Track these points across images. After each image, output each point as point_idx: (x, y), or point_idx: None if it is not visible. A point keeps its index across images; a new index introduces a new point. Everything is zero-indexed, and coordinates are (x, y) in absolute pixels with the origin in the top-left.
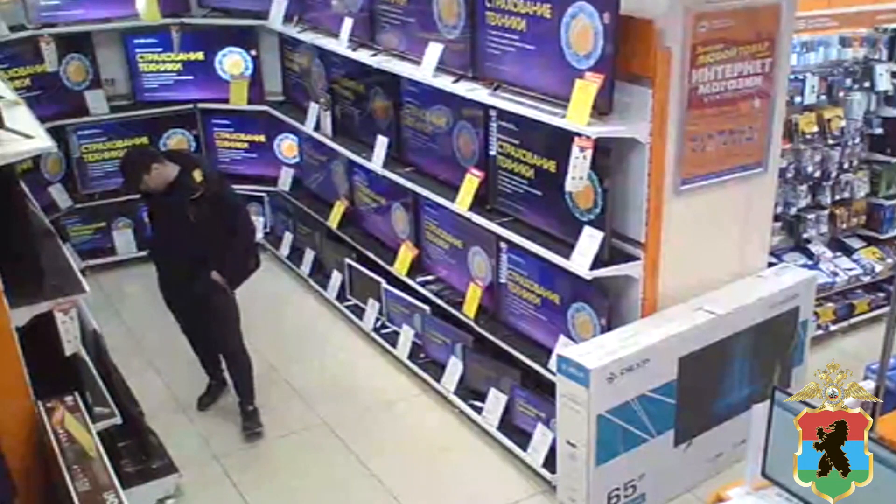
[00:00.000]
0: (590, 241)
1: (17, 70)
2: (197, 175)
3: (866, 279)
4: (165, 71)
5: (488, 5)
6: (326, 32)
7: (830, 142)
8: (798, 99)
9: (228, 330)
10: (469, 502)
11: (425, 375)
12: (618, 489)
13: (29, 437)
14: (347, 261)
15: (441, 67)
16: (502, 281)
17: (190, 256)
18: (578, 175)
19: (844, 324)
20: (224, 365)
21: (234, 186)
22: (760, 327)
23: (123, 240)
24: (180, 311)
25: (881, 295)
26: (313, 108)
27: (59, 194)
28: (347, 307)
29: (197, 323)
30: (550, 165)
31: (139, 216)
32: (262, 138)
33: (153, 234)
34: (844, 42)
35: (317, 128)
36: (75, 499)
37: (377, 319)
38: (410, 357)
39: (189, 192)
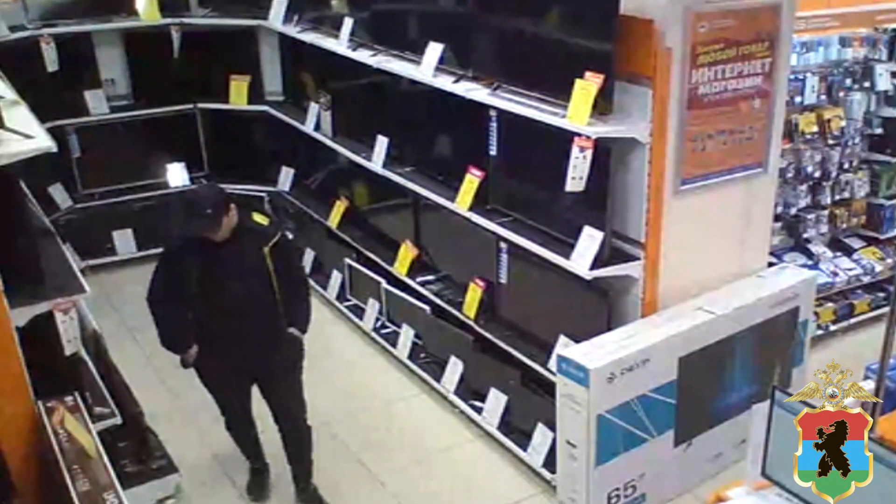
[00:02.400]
0: (590, 241)
1: (18, 70)
2: (260, 217)
3: (866, 279)
4: (165, 71)
5: None
6: (326, 32)
7: (830, 142)
8: (798, 99)
9: (299, 392)
10: (469, 502)
11: (425, 375)
12: (618, 489)
13: (29, 437)
14: (347, 261)
15: (441, 67)
16: (502, 281)
17: (264, 317)
18: (578, 175)
19: (844, 324)
20: (284, 436)
21: (234, 186)
22: (760, 327)
23: (123, 240)
24: (239, 387)
25: (881, 295)
26: (313, 108)
27: (59, 194)
28: (347, 307)
29: (249, 395)
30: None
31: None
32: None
33: (204, 304)
34: (844, 42)
35: (317, 128)
36: (75, 499)
37: (377, 319)
38: (410, 357)
39: (264, 239)
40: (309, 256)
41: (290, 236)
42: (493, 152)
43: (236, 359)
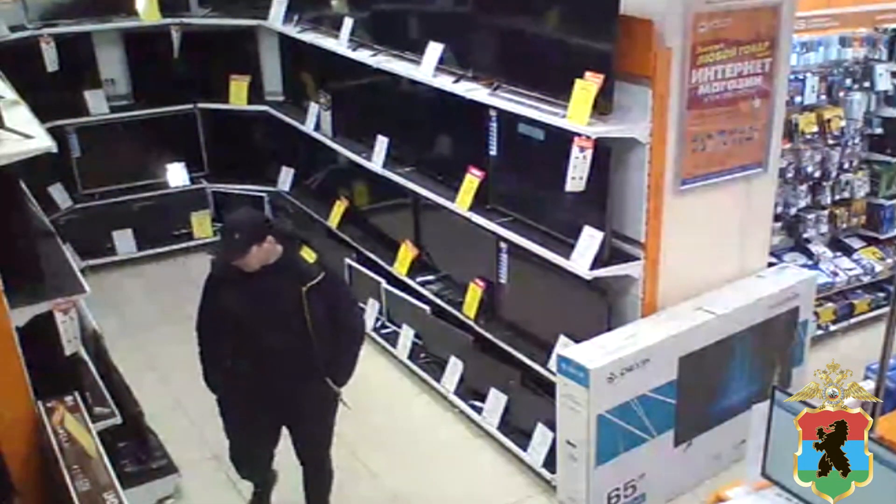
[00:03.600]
0: (590, 240)
1: (17, 70)
2: (308, 254)
3: (866, 279)
4: (165, 71)
5: None
6: (326, 32)
7: (830, 142)
8: (798, 99)
9: (328, 439)
10: (469, 502)
11: (425, 375)
12: (618, 489)
13: (29, 437)
14: (347, 261)
15: (441, 67)
16: (502, 281)
17: (297, 364)
18: (578, 175)
19: (844, 324)
20: (307, 479)
21: (234, 187)
22: (760, 327)
23: (123, 240)
24: (262, 432)
25: (881, 295)
26: (313, 108)
27: (59, 194)
28: None
29: (274, 441)
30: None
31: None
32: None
33: (235, 342)
34: (844, 42)
35: (317, 128)
36: (75, 499)
37: (377, 319)
38: (410, 357)
39: (303, 278)
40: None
41: (340, 279)
42: (493, 152)
43: (263, 403)
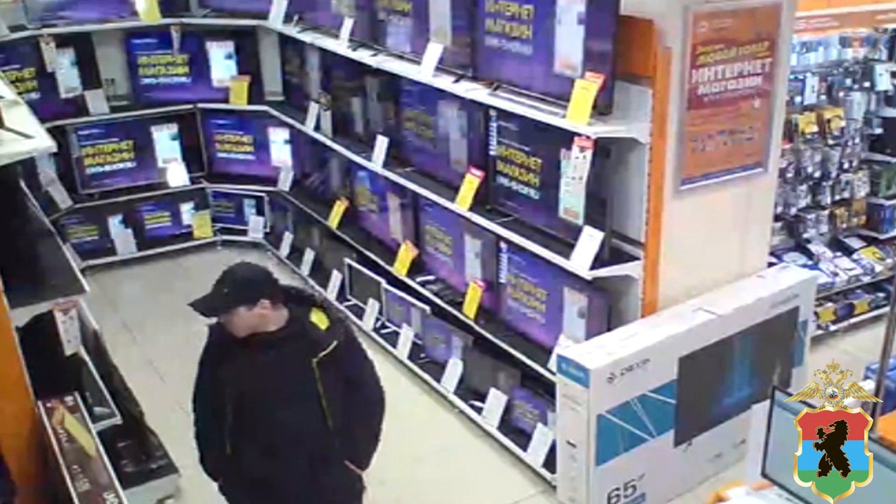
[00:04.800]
0: (590, 240)
1: (17, 70)
2: (320, 319)
3: (866, 279)
4: (165, 71)
5: None
6: (326, 32)
7: (830, 142)
8: (798, 99)
9: None
10: (469, 502)
11: (425, 375)
12: (618, 489)
13: (29, 437)
14: (347, 261)
15: (441, 67)
16: (502, 281)
17: (310, 453)
18: (578, 175)
19: (844, 324)
20: None
21: (234, 187)
22: (760, 327)
23: (123, 240)
24: None
25: (881, 295)
26: (313, 108)
27: (59, 194)
28: (347, 307)
29: None
30: (550, 165)
31: (139, 216)
32: (262, 138)
33: (234, 425)
34: (844, 42)
35: (317, 128)
36: (75, 499)
37: (377, 319)
38: (410, 357)
39: (313, 349)
40: (309, 256)
41: (357, 344)
42: (493, 152)
43: (272, 498)
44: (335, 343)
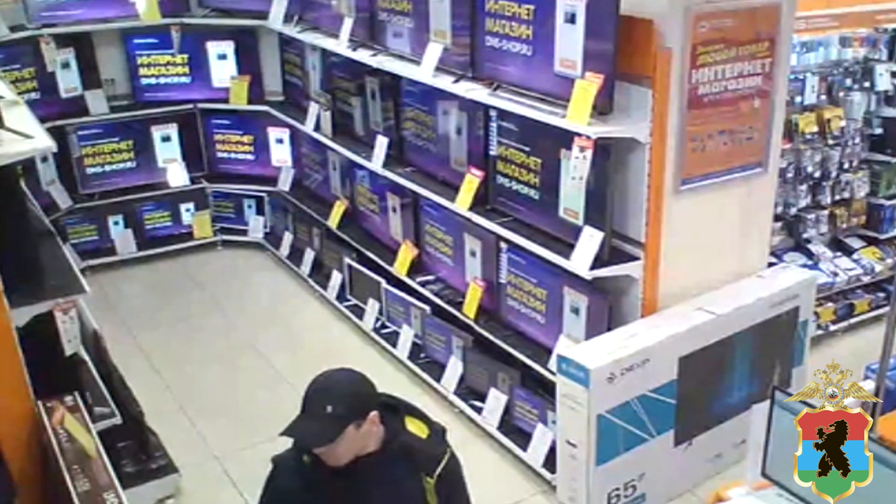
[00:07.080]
0: (590, 240)
1: (18, 70)
2: (419, 428)
3: (866, 279)
4: (165, 71)
5: None
6: (326, 32)
7: (830, 142)
8: (798, 99)
9: None
10: None
11: (425, 375)
12: (618, 489)
13: (29, 437)
14: (347, 261)
15: (441, 67)
16: (502, 281)
17: None
18: (578, 175)
19: (844, 324)
20: None
21: (234, 187)
22: (760, 327)
23: (123, 240)
24: None
25: (881, 295)
26: (313, 108)
27: (59, 194)
28: (347, 307)
29: None
30: (550, 165)
31: (139, 216)
32: (262, 138)
33: None
34: (844, 42)
35: (317, 128)
36: (75, 499)
37: (377, 319)
38: (410, 357)
39: (427, 464)
40: (309, 256)
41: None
42: (493, 152)
43: None
44: (447, 455)
